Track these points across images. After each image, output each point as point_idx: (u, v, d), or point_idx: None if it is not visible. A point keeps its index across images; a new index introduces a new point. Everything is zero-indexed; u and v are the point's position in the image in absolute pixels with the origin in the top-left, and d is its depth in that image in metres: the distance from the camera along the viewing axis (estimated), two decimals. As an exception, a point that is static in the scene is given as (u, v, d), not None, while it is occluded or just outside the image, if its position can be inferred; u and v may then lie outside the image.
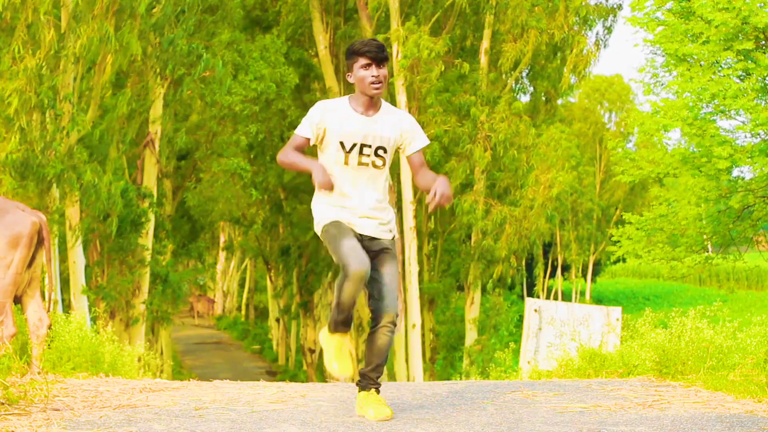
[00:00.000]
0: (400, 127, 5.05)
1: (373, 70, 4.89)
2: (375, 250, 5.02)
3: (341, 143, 4.93)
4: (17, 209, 6.63)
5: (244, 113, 22.79)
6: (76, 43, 15.39)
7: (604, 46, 27.97)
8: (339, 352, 5.06)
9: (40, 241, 6.67)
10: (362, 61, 4.89)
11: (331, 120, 4.95)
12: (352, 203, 5.00)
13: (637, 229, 18.03)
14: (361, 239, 5.01)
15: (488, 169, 25.07)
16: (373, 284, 5.03)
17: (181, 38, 17.96)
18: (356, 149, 4.94)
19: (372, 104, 4.99)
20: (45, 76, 15.23)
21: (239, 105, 22.07)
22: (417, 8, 24.99)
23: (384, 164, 5.01)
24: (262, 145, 29.12)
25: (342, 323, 5.04)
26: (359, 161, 4.96)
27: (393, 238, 5.13)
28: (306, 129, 4.98)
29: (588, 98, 56.73)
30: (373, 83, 4.90)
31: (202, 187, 25.46)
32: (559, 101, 39.18)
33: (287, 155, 4.98)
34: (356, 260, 4.87)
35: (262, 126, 26.87)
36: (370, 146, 4.96)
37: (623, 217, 19.26)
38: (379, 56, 4.90)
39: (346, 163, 4.96)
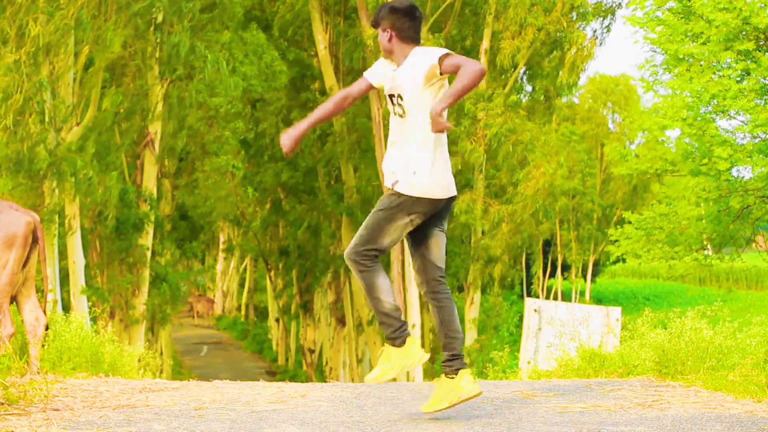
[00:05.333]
0: (414, 68, 5.03)
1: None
2: None
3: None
4: (11, 209, 6.63)
5: (232, 111, 22.82)
6: (36, 33, 15.26)
7: (600, 44, 27.97)
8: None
9: (34, 241, 6.68)
10: None
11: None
12: None
13: (636, 228, 18.03)
14: None
15: (483, 164, 25.00)
16: None
17: (184, 36, 17.93)
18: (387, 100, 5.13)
19: (397, 60, 5.13)
20: (29, 72, 15.18)
21: (225, 107, 22.13)
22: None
23: (405, 112, 5.00)
24: (258, 145, 29.12)
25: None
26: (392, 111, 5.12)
27: (395, 191, 4.94)
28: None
29: (593, 99, 56.67)
30: None
31: (194, 186, 25.51)
32: (563, 100, 39.10)
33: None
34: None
35: (260, 127, 26.89)
36: (393, 95, 5.07)
37: (623, 216, 19.27)
38: (373, 23, 5.16)
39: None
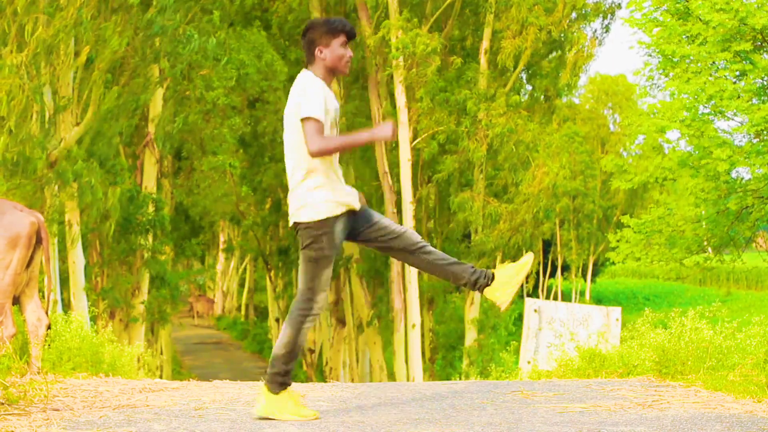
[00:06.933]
0: None
1: (349, 50, 4.89)
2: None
3: (332, 122, 4.85)
4: (15, 210, 6.61)
5: (226, 103, 22.73)
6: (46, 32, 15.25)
7: (600, 44, 28.00)
8: (297, 404, 4.88)
9: (38, 241, 6.66)
10: (342, 38, 4.85)
11: (328, 98, 4.83)
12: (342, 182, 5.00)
13: (636, 232, 18.01)
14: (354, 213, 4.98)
15: (484, 164, 24.99)
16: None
17: (160, 19, 17.84)
18: (336, 128, 4.90)
19: (332, 81, 4.94)
20: (30, 74, 15.19)
21: (222, 98, 22.03)
22: (415, 7, 24.97)
23: None
24: (259, 145, 29.08)
25: (290, 373, 4.85)
26: None
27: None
28: (321, 112, 4.73)
29: (595, 99, 56.62)
30: (348, 62, 4.88)
31: (191, 184, 25.46)
32: (563, 100, 39.08)
33: (330, 143, 4.73)
34: (326, 294, 4.88)
35: (260, 126, 26.84)
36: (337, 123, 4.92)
37: (621, 220, 19.27)
38: (355, 36, 4.94)
39: None
